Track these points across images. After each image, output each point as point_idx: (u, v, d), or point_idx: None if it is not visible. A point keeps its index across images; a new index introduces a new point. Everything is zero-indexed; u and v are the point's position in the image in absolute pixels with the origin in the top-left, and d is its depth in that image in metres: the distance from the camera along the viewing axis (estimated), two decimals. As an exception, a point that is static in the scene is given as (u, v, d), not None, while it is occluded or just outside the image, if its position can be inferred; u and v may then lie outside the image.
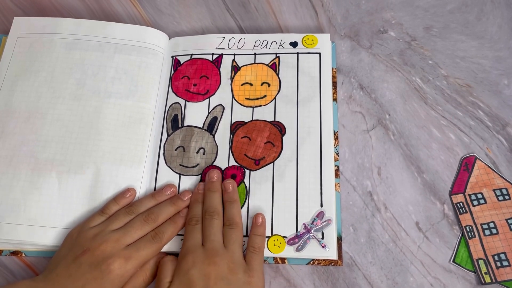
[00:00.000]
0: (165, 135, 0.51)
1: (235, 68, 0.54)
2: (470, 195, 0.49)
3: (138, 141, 0.49)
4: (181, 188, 0.48)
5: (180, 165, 0.49)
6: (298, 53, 0.53)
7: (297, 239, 0.45)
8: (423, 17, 0.58)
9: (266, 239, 0.45)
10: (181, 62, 0.54)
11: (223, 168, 0.49)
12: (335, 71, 0.52)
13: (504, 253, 0.46)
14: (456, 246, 0.47)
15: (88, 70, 0.52)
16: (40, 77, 0.51)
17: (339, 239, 0.47)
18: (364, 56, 0.56)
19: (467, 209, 0.48)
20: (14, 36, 0.53)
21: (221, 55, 0.54)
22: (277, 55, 0.54)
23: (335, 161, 0.49)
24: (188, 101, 0.52)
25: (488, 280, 0.45)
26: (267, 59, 0.54)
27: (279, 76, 0.53)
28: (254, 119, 0.51)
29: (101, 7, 0.60)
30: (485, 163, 0.50)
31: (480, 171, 0.49)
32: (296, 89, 0.52)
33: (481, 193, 0.49)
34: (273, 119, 0.50)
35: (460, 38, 0.56)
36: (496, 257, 0.46)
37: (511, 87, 0.54)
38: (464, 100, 0.53)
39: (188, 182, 0.49)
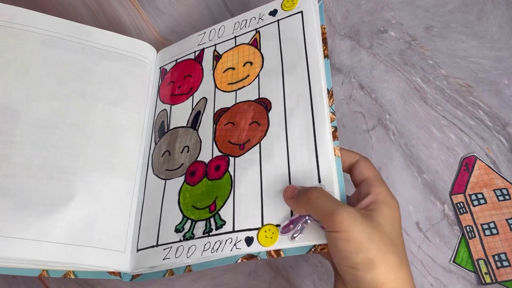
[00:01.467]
0: (153, 145, 0.48)
1: (217, 58, 0.49)
2: (470, 195, 0.49)
3: (130, 151, 0.47)
4: (166, 193, 0.44)
5: (166, 170, 0.46)
6: (278, 20, 0.47)
7: (292, 224, 0.37)
8: (423, 17, 0.58)
9: (256, 231, 0.39)
10: (168, 70, 0.52)
11: (206, 161, 0.44)
12: (324, 28, 0.45)
13: (505, 253, 0.46)
14: (456, 246, 0.47)
15: (71, 71, 0.48)
16: (11, 70, 0.46)
17: None
18: (364, 56, 0.56)
19: (467, 209, 0.48)
20: None
21: (202, 50, 0.51)
22: (257, 30, 0.48)
23: (332, 121, 0.41)
24: (173, 105, 0.49)
25: (488, 280, 0.45)
26: (248, 38, 0.48)
27: (261, 51, 0.47)
28: (237, 102, 0.45)
29: (100, 6, 0.60)
30: (486, 163, 0.50)
31: (481, 171, 0.49)
32: (280, 59, 0.45)
33: (482, 193, 0.49)
34: (257, 97, 0.45)
35: (460, 38, 0.56)
36: (496, 257, 0.46)
37: (511, 87, 0.54)
38: (464, 100, 0.53)
39: (172, 185, 0.44)
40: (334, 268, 0.37)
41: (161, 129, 0.49)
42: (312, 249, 0.36)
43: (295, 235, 0.37)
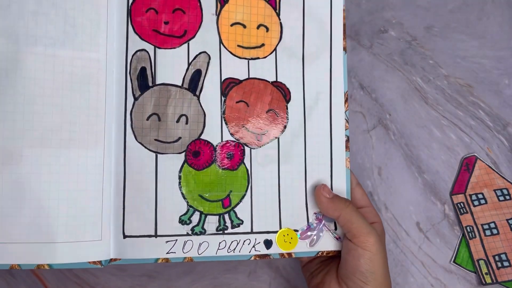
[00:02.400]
0: (130, 99, 0.37)
1: (222, 0, 0.40)
2: (470, 195, 0.49)
3: (91, 110, 0.35)
4: (159, 170, 0.37)
5: (156, 140, 0.37)
6: None
7: (310, 232, 0.39)
8: (424, 17, 0.58)
9: (275, 234, 0.39)
10: None
11: (215, 144, 0.38)
12: (344, 9, 0.41)
13: (505, 253, 0.46)
14: (457, 247, 0.47)
15: None
16: None
17: None
18: (365, 55, 0.56)
19: (467, 209, 0.48)
20: None
21: None
22: None
23: (346, 129, 0.40)
24: (159, 47, 0.38)
25: (488, 280, 0.45)
26: None
27: (280, 17, 0.40)
28: (250, 76, 0.39)
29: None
30: (486, 163, 0.50)
31: (481, 171, 0.49)
32: (302, 39, 0.40)
33: (482, 193, 0.48)
34: (274, 79, 0.40)
35: (461, 38, 0.56)
36: (496, 258, 0.46)
37: (512, 87, 0.54)
38: (465, 100, 0.53)
39: (168, 162, 0.37)
40: (310, 271, 0.42)
41: (143, 78, 0.37)
42: (320, 253, 0.39)
43: (313, 243, 0.39)
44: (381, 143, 0.52)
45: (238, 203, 0.39)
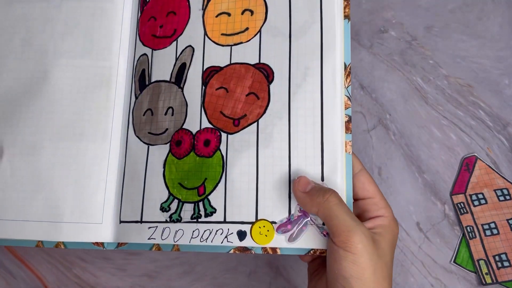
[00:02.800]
0: (133, 98, 0.41)
1: None
2: (471, 195, 0.48)
3: (101, 110, 0.41)
4: (149, 161, 0.39)
5: (149, 133, 0.40)
6: None
7: (290, 225, 0.35)
8: (424, 17, 0.58)
9: (249, 225, 0.35)
10: (147, 0, 0.43)
11: (194, 131, 0.38)
12: None
13: (505, 253, 0.46)
14: (457, 247, 0.47)
15: (33, 27, 0.43)
16: None
17: None
18: (365, 55, 0.56)
19: (468, 209, 0.48)
20: None
21: None
22: None
23: (346, 108, 0.35)
24: (155, 49, 0.41)
25: (489, 280, 0.45)
26: None
27: (266, 0, 0.39)
28: (232, 62, 0.38)
29: None
30: (486, 163, 0.50)
31: (481, 171, 0.49)
32: (289, 15, 0.38)
33: (482, 193, 0.48)
34: (257, 61, 0.38)
35: (461, 38, 0.56)
36: (497, 258, 0.46)
37: (512, 87, 0.54)
38: (465, 100, 0.53)
39: (157, 152, 0.39)
40: (310, 274, 0.37)
41: (142, 79, 0.41)
42: (311, 251, 0.34)
43: (294, 237, 0.35)
44: (381, 143, 0.51)
45: (212, 191, 0.37)
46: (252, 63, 0.38)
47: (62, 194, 0.40)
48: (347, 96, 0.35)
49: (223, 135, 0.38)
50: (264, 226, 0.35)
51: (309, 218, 0.35)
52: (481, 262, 0.46)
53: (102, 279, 0.46)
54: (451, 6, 0.58)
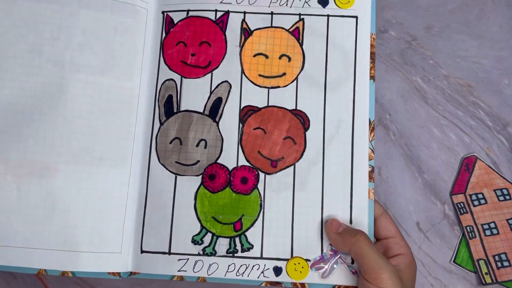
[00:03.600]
0: (157, 124, 0.40)
1: (246, 32, 0.41)
2: (470, 195, 0.49)
3: (122, 133, 0.39)
4: (177, 191, 0.39)
5: (176, 162, 0.40)
6: (328, 15, 0.41)
7: (323, 263, 0.38)
8: (424, 17, 0.58)
9: (285, 262, 0.38)
10: (175, 22, 0.42)
11: (230, 168, 0.40)
12: (373, 38, 0.40)
13: (505, 253, 0.46)
14: (457, 247, 0.47)
15: (45, 32, 0.38)
16: None
17: None
18: (365, 56, 0.56)
19: (467, 209, 0.48)
20: None
21: (227, 13, 0.41)
22: (301, 17, 0.41)
23: (370, 159, 0.39)
24: (185, 77, 0.41)
25: (488, 280, 0.45)
26: (288, 22, 0.41)
27: (303, 47, 0.41)
28: (270, 104, 0.40)
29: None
30: (486, 163, 0.50)
31: (481, 171, 0.49)
32: (325, 68, 0.40)
33: (482, 193, 0.49)
34: (294, 107, 0.40)
35: (461, 38, 0.56)
36: (496, 258, 0.46)
37: (512, 87, 0.54)
38: (465, 100, 0.53)
39: (186, 184, 0.39)
40: None
41: (169, 105, 0.41)
42: (336, 287, 0.38)
43: (325, 275, 0.38)
44: (381, 143, 0.52)
45: (249, 227, 0.39)
46: (289, 108, 0.40)
47: (79, 222, 0.38)
48: (371, 149, 0.39)
49: (261, 175, 0.39)
50: (299, 263, 0.38)
51: (340, 257, 0.38)
52: (481, 262, 0.46)
53: (102, 279, 0.46)
54: (451, 6, 0.58)
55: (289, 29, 0.42)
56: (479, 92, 0.54)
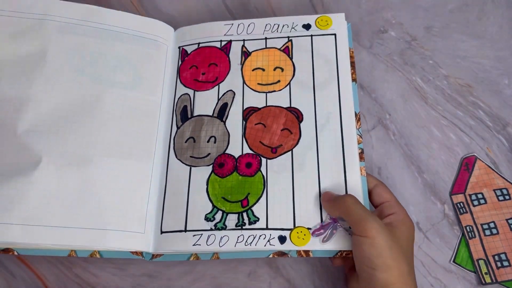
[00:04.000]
0: (174, 128, 0.49)
1: (245, 54, 0.51)
2: (470, 195, 0.49)
3: (146, 134, 0.47)
4: (192, 179, 0.46)
5: (191, 156, 0.47)
6: (312, 35, 0.50)
7: (323, 229, 0.42)
8: (424, 17, 0.58)
9: (289, 231, 0.42)
10: (189, 52, 0.52)
11: (236, 156, 0.46)
12: (352, 51, 0.49)
13: (505, 253, 0.46)
14: (457, 246, 0.47)
15: (87, 57, 0.48)
16: (32, 61, 0.47)
17: None
18: (365, 55, 0.56)
19: (467, 209, 0.48)
20: None
21: (229, 42, 0.51)
22: (290, 38, 0.50)
23: (359, 143, 0.45)
24: (197, 91, 0.50)
25: (488, 280, 0.45)
26: (279, 43, 0.51)
27: (293, 60, 0.50)
28: (268, 105, 0.48)
29: (99, 4, 0.60)
30: (486, 163, 0.50)
31: (481, 171, 0.49)
32: (312, 74, 0.48)
33: (482, 193, 0.49)
34: (288, 105, 0.47)
35: (461, 38, 0.56)
36: (496, 257, 0.46)
37: (512, 87, 0.54)
38: (465, 100, 0.53)
39: (199, 173, 0.46)
40: (347, 271, 0.43)
41: (184, 113, 0.49)
42: (339, 253, 0.41)
43: (325, 239, 0.41)
44: (381, 143, 0.52)
45: (255, 203, 0.44)
46: (285, 106, 0.47)
47: (108, 205, 0.43)
48: (359, 135, 0.45)
49: (263, 160, 0.45)
50: (301, 231, 0.42)
51: (338, 223, 0.42)
52: (481, 261, 0.46)
53: (102, 279, 0.46)
54: (451, 6, 0.58)
55: (281, 48, 0.50)
56: (479, 92, 0.54)
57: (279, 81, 0.49)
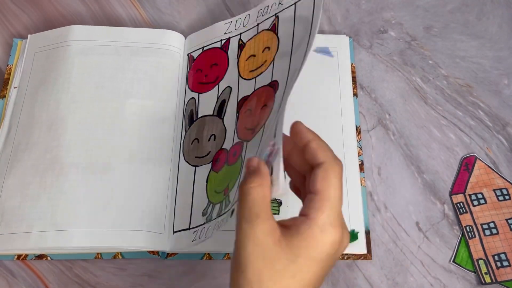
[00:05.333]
0: (183, 132, 0.51)
1: (241, 46, 0.51)
2: (470, 195, 0.49)
3: (164, 140, 0.50)
4: (196, 179, 0.48)
5: (195, 157, 0.49)
6: (295, 2, 0.46)
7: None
8: (423, 17, 0.58)
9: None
10: (195, 57, 0.54)
11: (228, 148, 0.47)
12: (353, 66, 0.50)
13: (504, 253, 0.46)
14: (456, 246, 0.47)
15: (106, 73, 0.52)
16: (58, 85, 0.51)
17: (367, 233, 0.47)
18: (364, 56, 0.56)
19: (467, 209, 0.48)
20: (31, 52, 0.54)
21: (228, 39, 0.53)
22: (277, 15, 0.48)
23: (359, 155, 0.47)
24: (201, 93, 0.52)
25: (488, 280, 0.45)
26: (268, 24, 0.49)
27: (278, 35, 0.48)
28: (256, 88, 0.47)
29: (101, 7, 0.60)
30: (485, 163, 0.50)
31: (480, 171, 0.49)
32: (292, 38, 0.44)
33: (481, 193, 0.49)
34: (270, 81, 0.45)
35: (460, 38, 0.56)
36: (496, 257, 0.46)
37: (511, 87, 0.54)
38: (464, 100, 0.53)
39: (201, 172, 0.48)
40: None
41: (190, 117, 0.51)
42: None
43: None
44: (380, 143, 0.52)
45: (231, 189, 0.43)
46: (267, 83, 0.45)
47: (132, 207, 0.46)
48: (359, 147, 0.48)
49: (244, 144, 0.44)
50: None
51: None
52: (481, 261, 0.46)
53: (102, 279, 0.46)
54: (451, 7, 0.58)
55: (269, 27, 0.49)
56: (478, 92, 0.54)
57: (265, 61, 0.47)
